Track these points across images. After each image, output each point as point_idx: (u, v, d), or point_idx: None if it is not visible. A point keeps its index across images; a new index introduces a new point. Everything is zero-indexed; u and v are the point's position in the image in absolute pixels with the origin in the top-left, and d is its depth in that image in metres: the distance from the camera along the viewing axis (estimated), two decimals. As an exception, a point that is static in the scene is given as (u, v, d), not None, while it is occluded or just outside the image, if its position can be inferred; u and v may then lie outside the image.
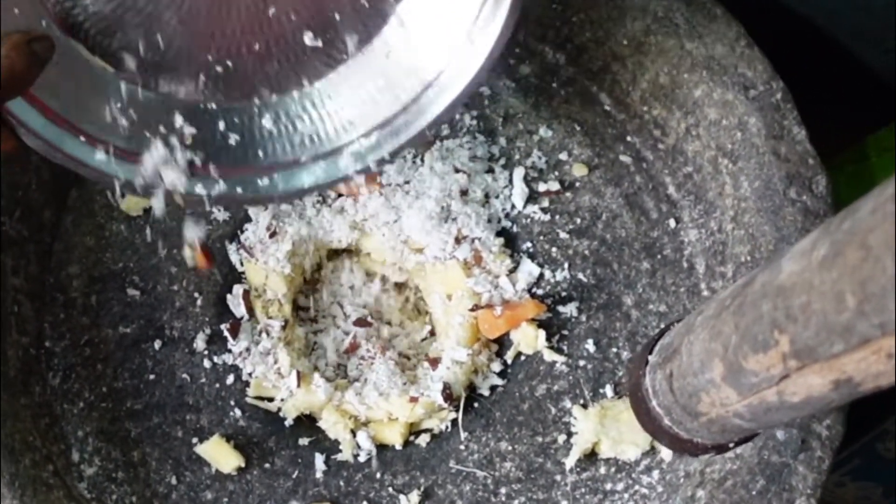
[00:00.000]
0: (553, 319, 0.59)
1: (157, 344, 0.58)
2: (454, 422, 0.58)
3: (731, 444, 0.46)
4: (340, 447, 0.57)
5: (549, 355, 0.58)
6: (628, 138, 0.60)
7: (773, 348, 0.35)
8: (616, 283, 0.59)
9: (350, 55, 0.51)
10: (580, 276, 0.59)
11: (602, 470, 0.57)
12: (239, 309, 0.59)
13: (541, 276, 0.59)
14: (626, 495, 0.56)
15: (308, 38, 0.50)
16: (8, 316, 0.56)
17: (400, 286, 0.62)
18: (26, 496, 0.52)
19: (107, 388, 0.57)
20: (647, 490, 0.56)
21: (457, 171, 0.59)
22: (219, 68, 0.50)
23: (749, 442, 0.51)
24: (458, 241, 0.58)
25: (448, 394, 0.56)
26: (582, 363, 0.58)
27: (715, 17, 0.57)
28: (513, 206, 0.60)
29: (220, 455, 0.56)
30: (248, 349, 0.58)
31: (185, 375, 0.58)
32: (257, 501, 0.56)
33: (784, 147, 0.56)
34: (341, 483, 0.57)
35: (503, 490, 0.57)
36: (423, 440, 0.58)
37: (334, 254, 0.62)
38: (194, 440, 0.57)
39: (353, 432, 0.57)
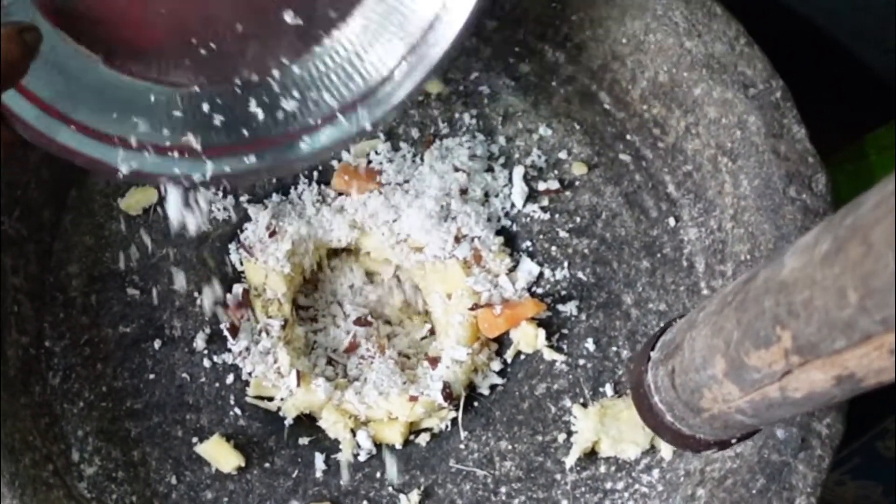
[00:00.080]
0: (553, 318, 0.59)
1: (157, 343, 0.58)
2: (454, 421, 0.58)
3: (734, 440, 0.46)
4: (340, 446, 0.57)
5: (548, 354, 0.58)
6: (628, 137, 0.60)
7: (776, 344, 0.35)
8: (616, 281, 0.59)
9: (334, 27, 0.52)
10: (580, 274, 0.59)
11: (602, 469, 0.57)
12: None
13: (540, 274, 0.59)
14: (626, 494, 0.56)
15: (288, 17, 0.51)
16: (8, 315, 0.56)
17: (400, 285, 0.62)
18: (26, 496, 0.52)
19: (107, 388, 0.57)
20: (647, 489, 0.56)
21: (456, 169, 0.59)
22: (202, 51, 0.50)
23: (750, 438, 0.51)
24: (457, 240, 0.58)
25: (448, 393, 0.56)
26: (582, 362, 0.58)
27: (715, 16, 0.57)
28: (512, 205, 0.60)
29: (220, 454, 0.56)
30: (247, 349, 0.58)
31: (184, 375, 0.58)
32: (257, 501, 0.56)
33: (784, 145, 0.56)
34: (341, 482, 0.57)
35: (503, 489, 0.57)
36: (423, 439, 0.58)
37: (334, 253, 0.62)
38: (194, 440, 0.57)
39: (353, 431, 0.57)
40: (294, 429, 0.58)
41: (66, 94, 0.49)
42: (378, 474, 0.57)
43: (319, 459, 0.57)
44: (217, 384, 0.58)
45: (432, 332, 0.61)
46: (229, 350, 0.58)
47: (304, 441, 0.57)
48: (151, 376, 0.58)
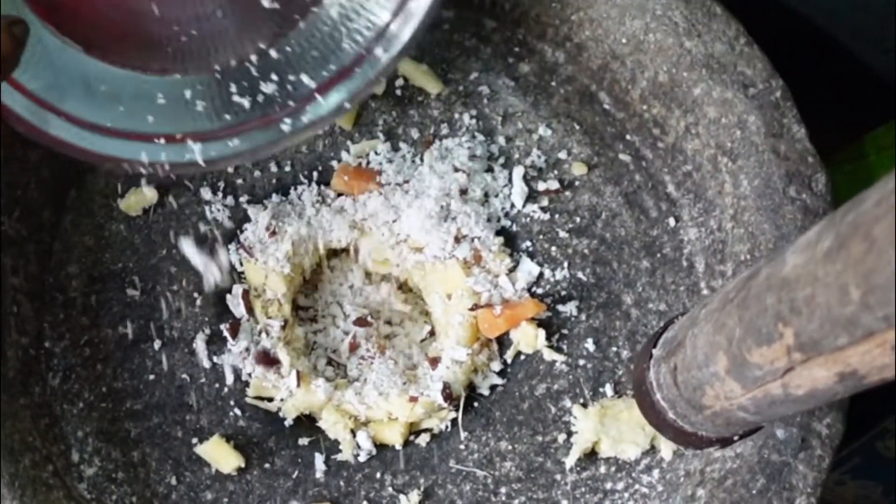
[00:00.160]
0: (553, 318, 0.59)
1: (157, 344, 0.58)
2: (454, 421, 0.58)
3: (736, 438, 0.46)
4: (340, 447, 0.57)
5: (548, 354, 0.58)
6: (627, 137, 0.60)
7: (778, 341, 0.35)
8: (616, 281, 0.59)
9: (309, 10, 0.53)
10: (580, 275, 0.59)
11: (602, 469, 0.57)
12: (238, 309, 0.59)
13: (540, 275, 0.59)
14: (626, 494, 0.56)
15: (266, 1, 0.52)
16: (7, 316, 0.56)
17: (400, 285, 0.62)
18: (26, 496, 0.52)
19: (106, 389, 0.57)
20: (647, 489, 0.56)
21: (456, 170, 0.59)
22: (182, 38, 0.52)
23: (751, 438, 0.51)
24: (457, 240, 0.58)
25: (448, 393, 0.56)
26: (582, 362, 0.58)
27: (714, 16, 0.57)
28: (512, 205, 0.60)
29: (219, 455, 0.56)
30: (247, 349, 0.58)
31: (184, 375, 0.58)
32: (257, 501, 0.56)
33: (783, 145, 0.56)
34: (341, 483, 0.57)
35: (503, 489, 0.57)
36: (422, 440, 0.58)
37: (334, 253, 0.62)
38: (194, 440, 0.57)
39: (353, 432, 0.57)
40: (294, 429, 0.58)
41: (54, 86, 0.50)
42: (378, 475, 0.57)
43: (319, 460, 0.57)
44: (217, 385, 0.58)
45: (432, 332, 0.61)
46: (229, 351, 0.58)
47: (303, 442, 0.57)
48: (151, 377, 0.58)
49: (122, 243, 0.59)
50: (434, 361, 0.58)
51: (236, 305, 0.59)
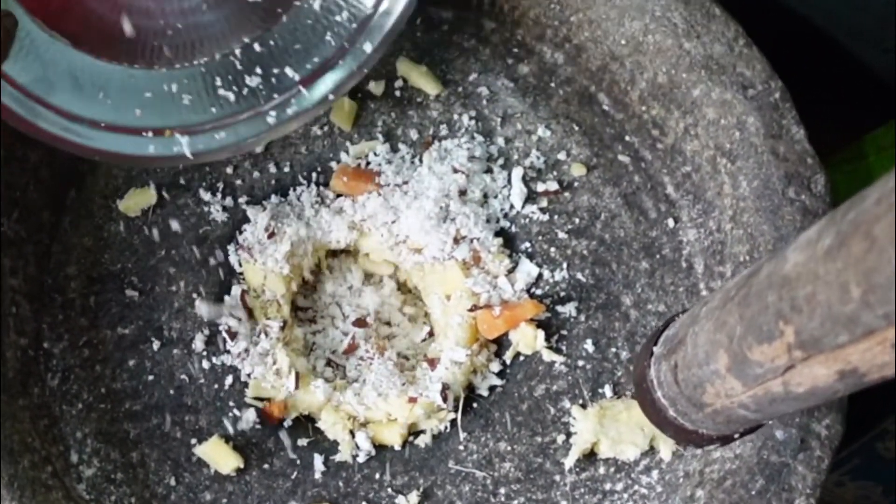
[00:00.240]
0: (552, 319, 0.59)
1: (156, 345, 0.58)
2: (453, 422, 0.58)
3: (736, 435, 0.46)
4: (339, 448, 0.57)
5: (547, 355, 0.58)
6: (627, 138, 0.60)
7: (778, 339, 0.35)
8: (615, 283, 0.59)
9: (293, 3, 0.54)
10: (579, 276, 0.59)
11: (601, 470, 0.57)
12: (237, 310, 0.58)
13: (539, 276, 0.59)
14: (625, 495, 0.56)
15: None
16: (6, 317, 0.56)
17: (399, 286, 0.62)
18: (25, 497, 0.52)
19: (105, 390, 0.57)
20: (646, 490, 0.56)
21: (455, 171, 0.59)
22: (168, 32, 0.53)
23: (750, 440, 0.51)
24: (456, 241, 0.58)
25: (447, 394, 0.56)
26: (581, 363, 0.58)
27: (713, 17, 0.57)
28: (511, 206, 0.60)
29: (218, 456, 0.56)
30: (246, 350, 0.58)
31: (183, 376, 0.58)
32: (256, 502, 0.56)
33: (783, 146, 0.56)
34: (340, 484, 0.57)
35: (502, 490, 0.57)
36: (422, 441, 0.58)
37: (333, 254, 0.62)
38: (193, 441, 0.57)
39: (352, 433, 0.57)
40: (293, 430, 0.58)
41: (42, 79, 0.51)
42: (377, 475, 0.57)
43: (318, 461, 0.57)
44: (216, 385, 0.58)
45: (431, 333, 0.61)
46: (228, 351, 0.58)
47: (302, 442, 0.57)
48: (150, 378, 0.58)
49: (121, 244, 0.59)
50: (433, 362, 0.58)
51: (235, 306, 0.59)
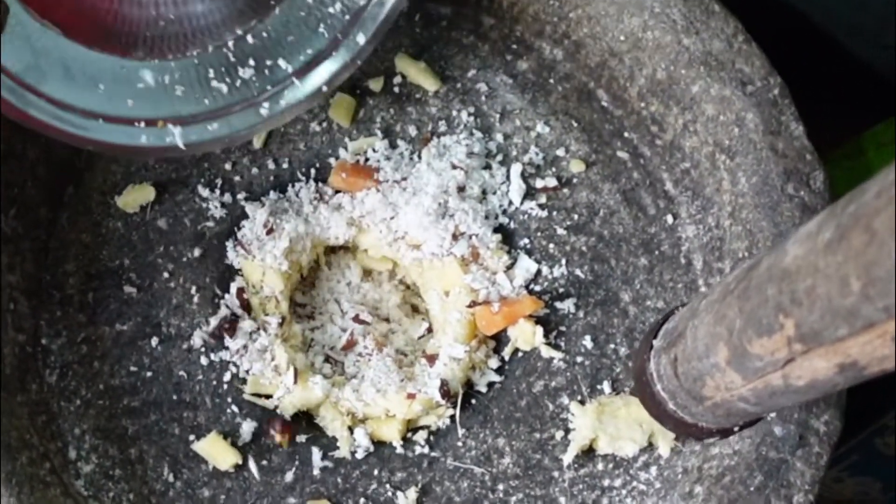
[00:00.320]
0: (550, 316, 0.59)
1: (154, 341, 0.58)
2: (452, 418, 0.58)
3: (736, 429, 0.46)
4: (338, 444, 0.57)
5: (546, 352, 0.58)
6: (626, 134, 0.60)
7: (778, 332, 0.35)
8: (613, 279, 0.59)
9: None
10: (578, 272, 0.59)
11: (600, 466, 0.57)
12: (236, 306, 0.58)
13: (538, 272, 0.59)
14: (623, 491, 0.56)
15: None
16: (4, 313, 0.56)
17: (398, 283, 0.62)
18: (23, 494, 0.52)
19: (104, 386, 0.57)
20: (644, 486, 0.56)
21: (454, 167, 0.59)
22: (161, 23, 0.53)
23: (749, 435, 0.51)
24: (455, 237, 0.58)
25: (445, 390, 0.56)
26: (579, 359, 0.58)
27: (712, 13, 0.57)
28: (510, 203, 0.60)
29: (217, 452, 0.56)
30: (245, 346, 0.58)
31: (182, 372, 0.58)
32: (255, 498, 0.56)
33: (782, 143, 0.56)
34: (339, 480, 0.57)
35: (501, 486, 0.57)
36: (420, 437, 0.58)
37: (331, 250, 0.62)
38: (191, 437, 0.57)
39: (351, 429, 0.57)
40: (291, 426, 0.58)
41: (34, 67, 0.51)
42: (376, 472, 0.57)
43: (317, 457, 0.57)
44: (214, 382, 0.58)
45: (430, 329, 0.61)
46: (226, 348, 0.58)
47: (301, 438, 0.57)
48: (148, 374, 0.58)
49: (119, 241, 0.59)
50: (432, 358, 0.58)
51: (233, 303, 0.59)
